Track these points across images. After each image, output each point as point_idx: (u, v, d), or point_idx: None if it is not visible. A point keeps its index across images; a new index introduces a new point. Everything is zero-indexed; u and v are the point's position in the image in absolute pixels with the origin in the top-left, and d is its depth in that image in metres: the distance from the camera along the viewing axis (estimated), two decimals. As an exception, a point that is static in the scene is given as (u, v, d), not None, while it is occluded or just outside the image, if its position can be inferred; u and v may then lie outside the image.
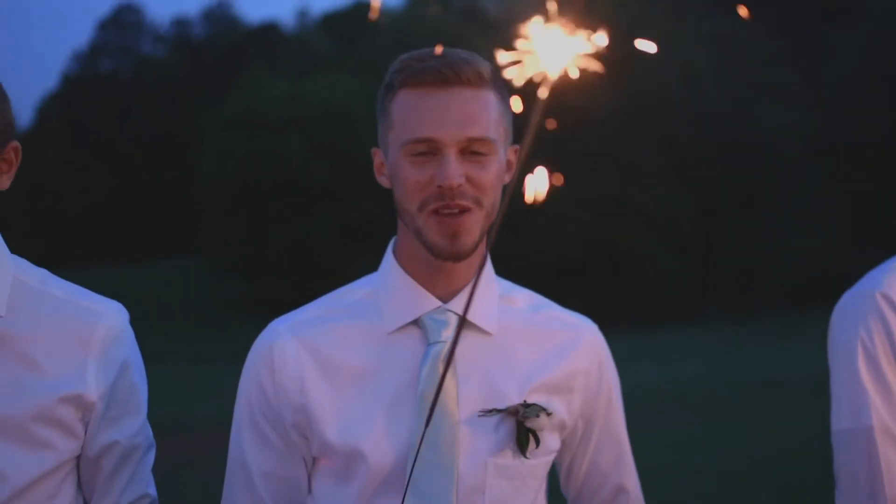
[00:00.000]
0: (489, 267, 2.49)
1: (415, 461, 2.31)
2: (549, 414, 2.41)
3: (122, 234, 55.24)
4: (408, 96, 2.37)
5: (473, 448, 2.36)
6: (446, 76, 2.34)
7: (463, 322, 2.14)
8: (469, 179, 2.31)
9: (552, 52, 1.88)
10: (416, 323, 2.42)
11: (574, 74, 1.94)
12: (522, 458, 2.39)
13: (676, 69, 35.62)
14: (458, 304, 2.41)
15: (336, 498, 2.41)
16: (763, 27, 38.62)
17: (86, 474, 2.52)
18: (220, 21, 65.81)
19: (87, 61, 65.91)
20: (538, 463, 2.42)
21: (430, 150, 2.34)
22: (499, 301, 2.49)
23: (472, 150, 2.32)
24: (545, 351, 2.47)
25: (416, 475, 2.32)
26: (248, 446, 2.47)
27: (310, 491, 2.47)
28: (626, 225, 35.70)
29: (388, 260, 2.50)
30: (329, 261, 38.96)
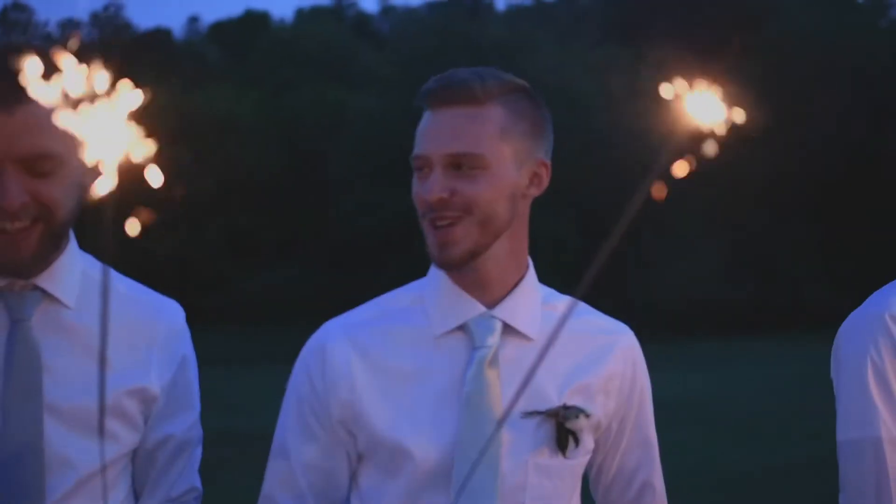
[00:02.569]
0: (531, 275, 2.64)
1: (474, 463, 2.46)
2: (587, 416, 2.54)
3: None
4: (424, 116, 2.53)
5: (515, 448, 2.49)
6: (440, 96, 2.51)
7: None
8: (456, 193, 2.44)
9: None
10: (462, 328, 2.55)
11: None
12: (562, 458, 2.53)
13: (564, 96, 35.99)
14: (502, 310, 2.55)
15: (383, 493, 2.54)
16: (650, 58, 39.18)
17: (139, 466, 2.61)
18: (110, 25, 65.02)
19: (-30, 59, 64.69)
20: (576, 463, 2.55)
21: (424, 166, 2.49)
22: (541, 307, 2.62)
23: (459, 165, 2.45)
24: (584, 355, 2.60)
25: (459, 474, 2.45)
26: (292, 438, 2.60)
27: (357, 486, 2.60)
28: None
29: (435, 267, 2.61)
30: (214, 273, 38.66)
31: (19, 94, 2.30)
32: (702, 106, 1.62)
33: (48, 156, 2.37)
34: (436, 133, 2.49)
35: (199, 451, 2.69)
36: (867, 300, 2.75)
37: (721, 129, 1.65)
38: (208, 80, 43.42)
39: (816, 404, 17.67)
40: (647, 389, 2.71)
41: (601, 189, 36.44)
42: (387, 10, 55.59)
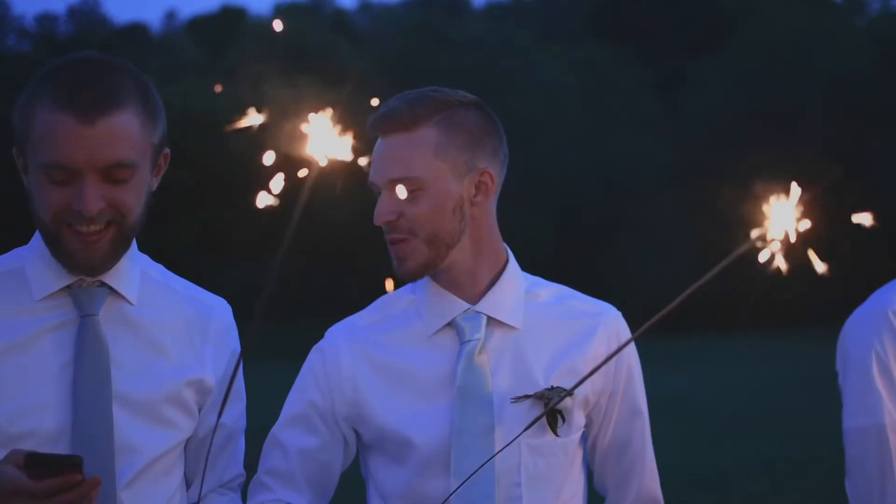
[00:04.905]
0: (511, 267, 2.83)
1: (470, 448, 2.66)
2: (571, 394, 2.66)
3: (-25, 231, 54.14)
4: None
5: (508, 431, 2.64)
6: (377, 127, 2.74)
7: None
8: (402, 215, 2.69)
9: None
10: (450, 325, 2.75)
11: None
12: (553, 437, 2.70)
13: (541, 92, 35.99)
14: (485, 305, 2.76)
15: (392, 477, 2.76)
16: (629, 56, 39.23)
17: (192, 453, 2.77)
18: (87, 19, 64.77)
19: (-55, 53, 64.33)
20: (568, 441, 2.74)
21: (375, 191, 2.74)
22: (525, 297, 2.82)
23: (402, 190, 2.68)
24: (568, 338, 2.79)
25: (458, 458, 2.67)
26: (293, 429, 2.81)
27: (370, 473, 2.83)
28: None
29: None
30: (190, 269, 38.35)
31: (101, 106, 2.51)
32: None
33: (125, 165, 2.55)
34: (378, 160, 2.72)
35: (243, 440, 2.88)
36: (870, 297, 2.98)
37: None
38: (186, 75, 43.32)
39: (793, 401, 17.69)
40: (634, 364, 2.89)
41: (579, 186, 36.50)
42: (364, 7, 55.54)
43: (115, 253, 2.62)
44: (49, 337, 2.60)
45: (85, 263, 2.59)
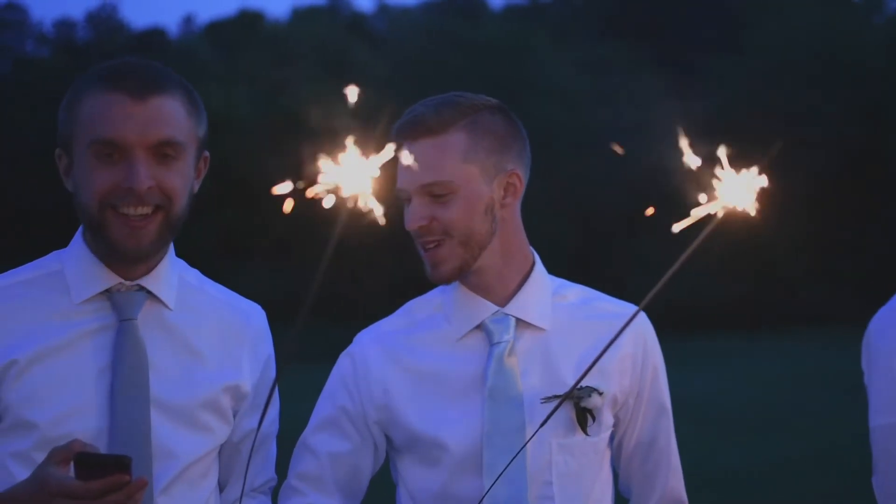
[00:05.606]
0: (538, 269, 2.89)
1: (502, 448, 2.69)
2: (601, 393, 2.75)
3: (-5, 236, 54.24)
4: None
5: (539, 431, 2.64)
6: (404, 134, 2.79)
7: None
8: (435, 219, 2.74)
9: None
10: (479, 328, 2.81)
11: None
12: (583, 436, 2.75)
13: (558, 93, 35.94)
14: (513, 307, 2.82)
15: (424, 480, 2.80)
16: (645, 56, 39.14)
17: (225, 457, 2.80)
18: (105, 24, 64.93)
19: (-36, 59, 64.54)
20: (598, 440, 2.80)
21: (404, 199, 2.79)
22: (552, 298, 2.87)
23: (432, 194, 2.73)
24: (595, 339, 2.82)
25: (490, 459, 2.69)
26: (323, 434, 2.85)
27: (401, 476, 2.87)
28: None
29: None
30: (208, 272, 38.52)
31: (151, 86, 2.59)
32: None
33: (173, 143, 2.60)
34: (407, 167, 2.76)
35: (275, 445, 2.92)
36: (894, 296, 2.97)
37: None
38: (204, 79, 43.39)
39: (812, 402, 17.67)
40: (659, 364, 2.95)
41: (598, 188, 36.44)
42: (382, 10, 55.54)
43: (161, 241, 2.64)
44: (88, 340, 2.62)
45: (132, 250, 2.60)
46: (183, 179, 2.64)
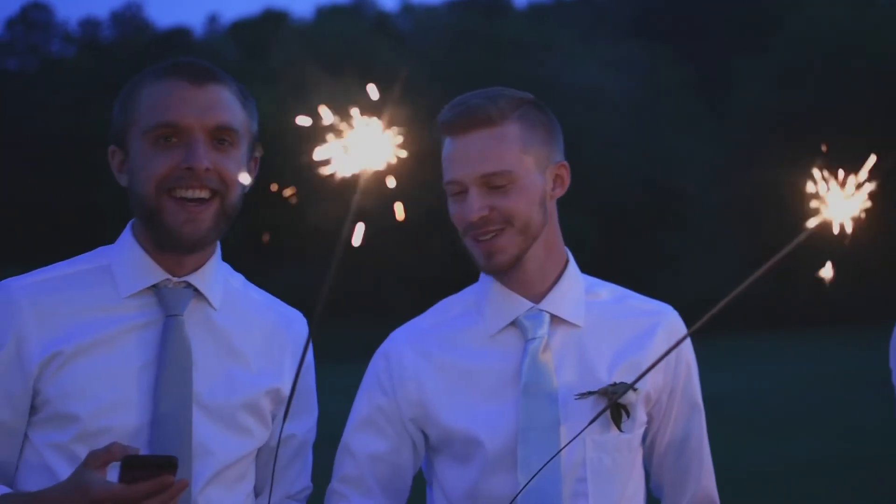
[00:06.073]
0: (571, 267, 2.88)
1: (537, 444, 2.68)
2: (635, 389, 2.73)
3: (23, 234, 54.31)
4: (445, 143, 2.79)
5: (573, 427, 2.67)
6: (461, 123, 2.74)
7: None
8: (494, 208, 2.71)
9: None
10: (513, 324, 2.79)
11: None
12: (617, 432, 2.73)
13: (583, 92, 35.87)
14: (547, 303, 2.80)
15: (458, 477, 2.78)
16: (671, 55, 39.04)
17: (261, 462, 2.78)
18: (130, 24, 65.11)
19: (-9, 59, 64.80)
20: (632, 436, 2.78)
21: (459, 190, 2.76)
22: (585, 296, 2.86)
23: (491, 184, 2.71)
24: (629, 336, 2.83)
25: (524, 455, 2.68)
26: (362, 435, 2.85)
27: (434, 473, 2.86)
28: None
29: (484, 274, 2.88)
30: (237, 270, 38.48)
31: (208, 74, 2.63)
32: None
33: (230, 129, 2.63)
34: (464, 158, 2.73)
35: (311, 453, 2.90)
36: None
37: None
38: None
39: (836, 401, 17.55)
40: (692, 362, 2.93)
41: (620, 185, 36.37)
42: (407, 9, 55.56)
43: (216, 231, 2.66)
44: (133, 335, 2.62)
45: (188, 237, 2.60)
46: (238, 168, 2.66)
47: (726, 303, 2.16)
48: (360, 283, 33.89)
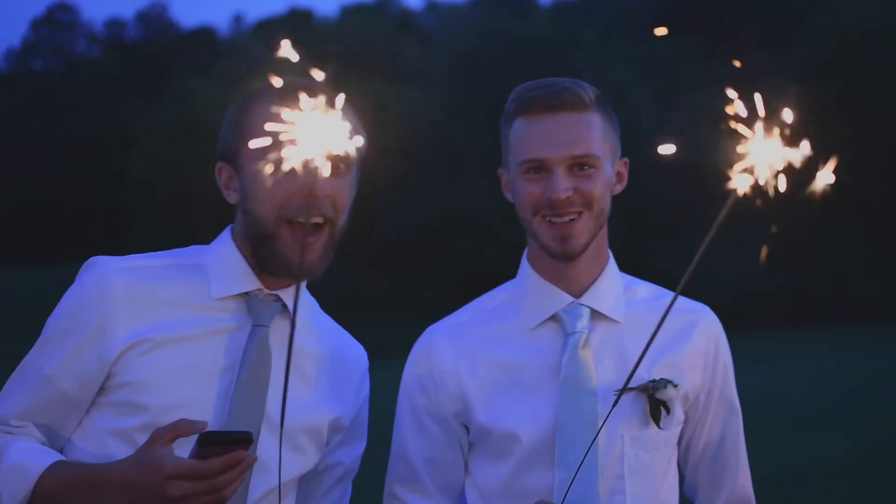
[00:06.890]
0: (612, 264, 2.87)
1: (575, 439, 2.67)
2: (675, 386, 2.73)
3: (47, 235, 54.52)
4: (521, 123, 2.75)
5: (611, 423, 2.66)
6: (551, 103, 2.72)
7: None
8: (577, 191, 2.69)
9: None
10: (553, 318, 2.78)
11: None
12: (655, 429, 2.72)
13: (608, 88, 35.83)
14: (588, 298, 2.79)
15: (493, 475, 2.77)
16: (695, 51, 38.94)
17: (304, 486, 2.78)
18: (155, 24, 65.33)
19: (18, 60, 65.14)
20: (669, 434, 2.76)
21: (541, 168, 2.72)
22: (624, 294, 2.85)
23: (578, 166, 2.70)
24: (669, 335, 2.80)
25: (562, 450, 2.67)
26: (410, 438, 2.84)
27: (468, 470, 2.84)
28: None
29: (523, 266, 2.88)
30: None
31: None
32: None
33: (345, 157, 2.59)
34: (553, 138, 2.72)
35: (351, 483, 2.88)
36: None
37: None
38: (253, 78, 43.49)
39: (870, 398, 17.41)
40: (729, 363, 2.92)
41: (648, 185, 36.31)
42: (431, 7, 55.61)
43: (324, 260, 2.64)
44: (218, 337, 2.61)
45: (302, 267, 2.57)
46: (347, 194, 2.65)
47: (687, 277, 2.17)
48: (380, 281, 33.98)
